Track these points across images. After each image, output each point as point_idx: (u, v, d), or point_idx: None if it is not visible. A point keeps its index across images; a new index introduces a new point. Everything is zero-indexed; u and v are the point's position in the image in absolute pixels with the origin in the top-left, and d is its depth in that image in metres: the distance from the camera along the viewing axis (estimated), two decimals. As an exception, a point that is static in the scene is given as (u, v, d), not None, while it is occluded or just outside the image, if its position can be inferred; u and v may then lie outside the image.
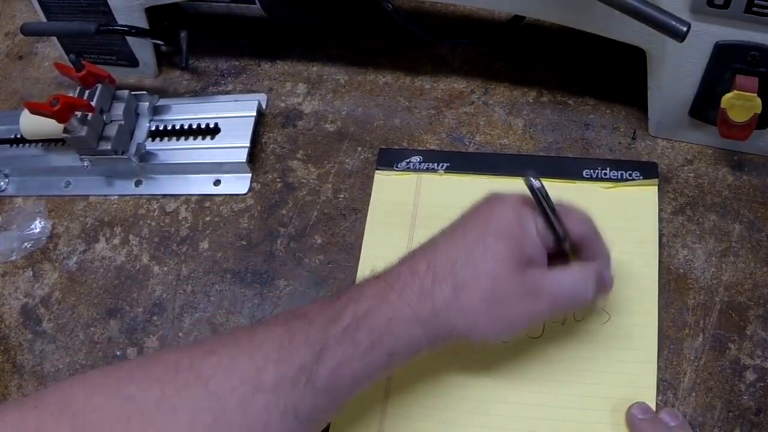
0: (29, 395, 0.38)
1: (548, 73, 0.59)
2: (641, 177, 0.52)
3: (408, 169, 0.56)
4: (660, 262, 0.49)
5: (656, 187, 0.51)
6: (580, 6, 0.47)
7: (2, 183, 0.63)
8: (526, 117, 0.57)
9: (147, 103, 0.60)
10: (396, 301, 0.39)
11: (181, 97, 0.64)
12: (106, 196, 0.61)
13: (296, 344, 0.37)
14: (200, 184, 0.59)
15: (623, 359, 0.46)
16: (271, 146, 0.60)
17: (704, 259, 0.49)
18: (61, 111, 0.53)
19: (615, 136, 0.55)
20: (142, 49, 0.64)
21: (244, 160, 0.57)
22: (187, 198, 0.59)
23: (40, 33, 0.66)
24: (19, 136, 0.61)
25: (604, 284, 0.43)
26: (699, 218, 0.51)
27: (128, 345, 0.53)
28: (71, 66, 0.56)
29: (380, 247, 0.53)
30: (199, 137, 0.60)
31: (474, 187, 0.54)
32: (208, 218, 0.58)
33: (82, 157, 0.59)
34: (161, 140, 0.60)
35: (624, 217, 0.50)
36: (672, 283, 0.49)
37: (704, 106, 0.49)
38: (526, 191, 0.41)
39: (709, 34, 0.44)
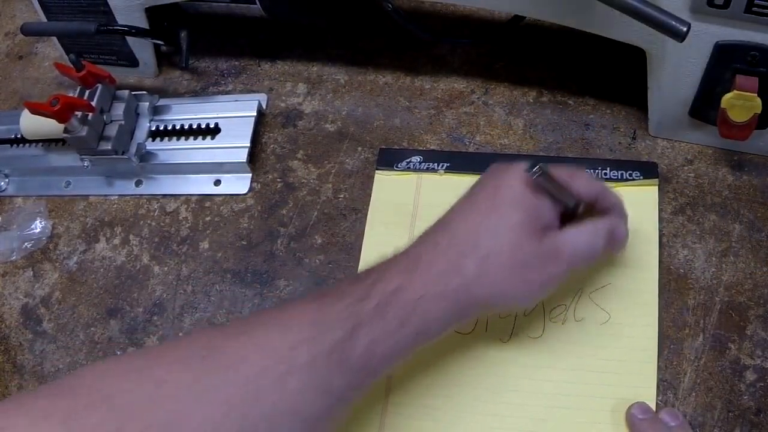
0: (57, 381, 0.37)
1: (548, 73, 0.59)
2: (641, 177, 0.52)
3: (408, 169, 0.56)
4: (660, 262, 0.49)
5: (656, 187, 0.51)
6: (580, 6, 0.47)
7: (2, 183, 0.63)
8: (526, 117, 0.57)
9: (147, 103, 0.60)
10: (424, 277, 0.39)
11: (181, 97, 0.64)
12: (106, 196, 0.61)
13: (329, 322, 0.37)
14: (200, 184, 0.59)
15: (623, 359, 0.46)
16: (272, 146, 0.60)
17: (704, 259, 0.49)
18: (61, 111, 0.53)
19: (615, 136, 0.55)
20: (142, 49, 0.64)
21: (245, 160, 0.58)
22: (188, 198, 0.59)
23: (40, 33, 0.66)
24: (19, 136, 0.61)
25: (616, 239, 0.44)
26: (699, 218, 0.51)
27: (128, 345, 0.53)
28: (71, 66, 0.56)
29: (380, 247, 0.52)
30: (200, 137, 0.60)
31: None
32: (208, 218, 0.58)
33: (83, 157, 0.59)
34: (161, 140, 0.60)
35: (624, 217, 0.51)
36: (672, 283, 0.49)
37: (704, 106, 0.49)
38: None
39: (709, 34, 0.44)
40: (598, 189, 0.44)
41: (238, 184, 0.59)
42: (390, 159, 0.57)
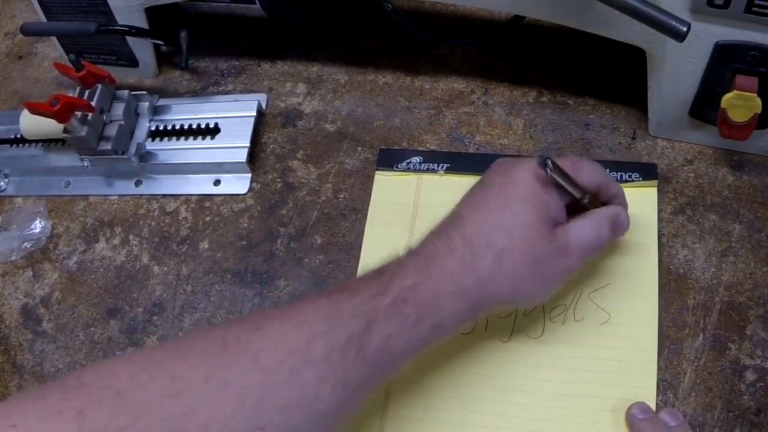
0: (67, 376, 0.36)
1: (548, 73, 0.59)
2: (641, 178, 0.52)
3: (408, 170, 0.56)
4: (660, 262, 0.49)
5: (656, 188, 0.51)
6: (580, 6, 0.47)
7: (2, 183, 0.63)
8: (526, 117, 0.57)
9: (147, 103, 0.60)
10: (440, 274, 0.40)
11: (181, 97, 0.64)
12: (106, 196, 0.61)
13: (344, 316, 0.37)
14: (200, 184, 0.59)
15: (623, 359, 0.46)
16: (271, 146, 0.60)
17: (704, 259, 0.49)
18: (61, 111, 0.53)
19: (615, 136, 0.55)
20: (142, 49, 0.64)
21: (244, 160, 0.57)
22: (187, 198, 0.59)
23: (40, 33, 0.66)
24: (19, 136, 0.61)
25: (618, 226, 0.45)
26: (699, 218, 0.51)
27: (128, 345, 0.53)
28: (71, 66, 0.56)
29: (380, 247, 0.53)
30: (199, 137, 0.60)
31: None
32: (208, 218, 0.58)
33: (82, 157, 0.59)
34: (161, 140, 0.60)
35: (624, 217, 0.50)
36: (672, 283, 0.49)
37: (704, 106, 0.49)
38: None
39: (709, 34, 0.44)
40: (601, 179, 0.45)
41: (238, 184, 0.59)
42: (390, 159, 0.57)
